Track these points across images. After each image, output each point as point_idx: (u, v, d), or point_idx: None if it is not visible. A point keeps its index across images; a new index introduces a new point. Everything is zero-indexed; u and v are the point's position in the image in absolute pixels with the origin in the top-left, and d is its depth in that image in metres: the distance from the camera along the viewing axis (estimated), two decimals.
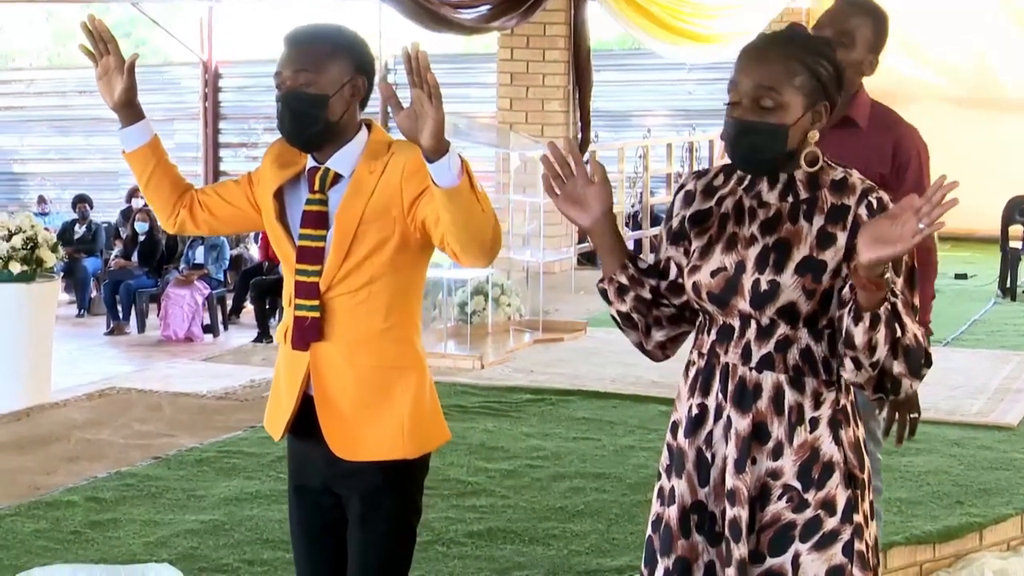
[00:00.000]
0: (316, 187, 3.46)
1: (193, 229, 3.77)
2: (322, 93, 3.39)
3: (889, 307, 2.78)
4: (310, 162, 3.50)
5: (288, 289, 3.51)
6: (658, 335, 3.15)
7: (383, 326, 3.44)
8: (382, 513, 3.49)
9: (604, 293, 3.15)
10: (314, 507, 3.61)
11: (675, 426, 3.10)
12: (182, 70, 22.51)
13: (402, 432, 3.44)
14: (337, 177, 3.45)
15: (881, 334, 2.77)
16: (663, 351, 3.18)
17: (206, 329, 15.43)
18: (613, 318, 3.20)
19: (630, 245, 3.30)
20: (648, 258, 3.21)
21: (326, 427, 3.46)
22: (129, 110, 3.64)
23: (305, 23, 3.50)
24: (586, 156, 10.72)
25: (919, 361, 2.84)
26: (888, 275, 2.78)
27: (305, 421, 3.49)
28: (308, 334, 3.45)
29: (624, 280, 3.11)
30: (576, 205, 3.09)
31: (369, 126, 3.51)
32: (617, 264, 3.11)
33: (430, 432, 3.53)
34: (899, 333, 2.79)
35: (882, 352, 2.79)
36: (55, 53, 29.47)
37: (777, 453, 2.96)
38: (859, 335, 2.79)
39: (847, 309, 2.82)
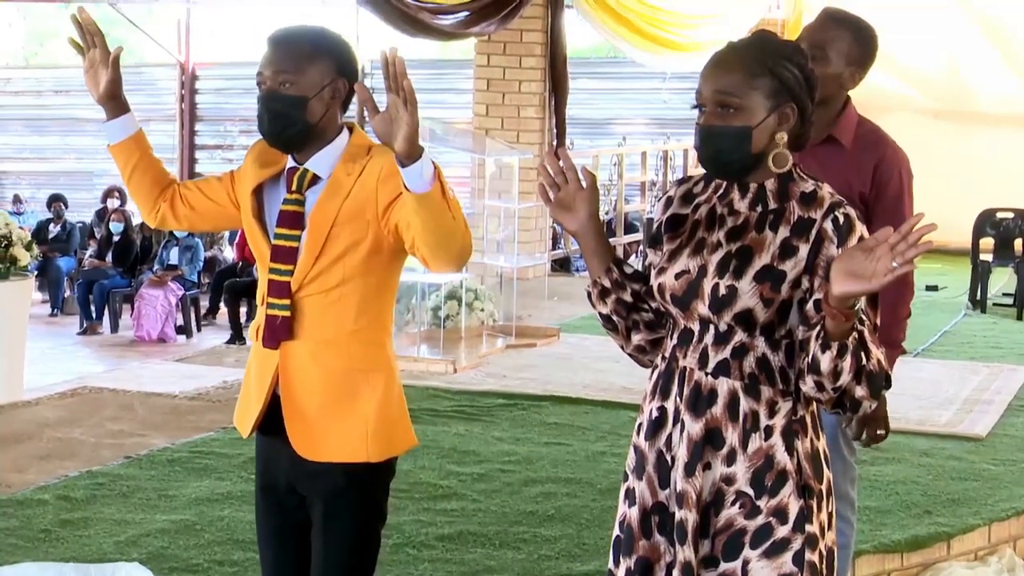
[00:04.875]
0: (293, 187, 3.48)
1: (174, 224, 3.78)
2: (301, 95, 3.41)
3: (856, 336, 2.81)
4: (290, 162, 3.52)
5: (262, 287, 3.53)
6: (636, 338, 3.18)
7: (353, 328, 3.45)
8: (345, 516, 3.50)
9: (589, 295, 3.20)
10: (279, 507, 3.62)
11: (639, 427, 3.13)
12: (159, 71, 22.48)
13: (366, 435, 3.46)
14: (315, 178, 3.47)
15: (847, 362, 2.81)
16: (643, 355, 3.21)
17: (179, 330, 15.41)
18: (601, 322, 3.24)
19: None
20: (636, 264, 3.24)
21: (291, 426, 3.48)
22: (114, 103, 3.66)
23: (288, 24, 3.52)
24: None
25: (880, 385, 2.87)
26: (859, 306, 2.80)
27: (273, 419, 3.51)
28: (279, 333, 3.47)
29: (607, 283, 3.14)
30: (566, 210, 3.14)
31: (351, 129, 3.53)
32: (602, 268, 3.15)
33: (395, 436, 3.54)
34: (864, 360, 2.82)
35: (846, 379, 2.83)
36: (31, 53, 29.35)
37: (731, 459, 2.97)
38: (825, 362, 2.82)
39: (814, 334, 2.84)
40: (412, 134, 3.06)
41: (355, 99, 3.40)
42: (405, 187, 3.13)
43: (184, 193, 3.73)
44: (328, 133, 3.47)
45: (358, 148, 3.48)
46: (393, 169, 3.19)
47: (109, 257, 16.62)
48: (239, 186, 3.62)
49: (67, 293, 17.26)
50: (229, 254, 16.95)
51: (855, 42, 4.34)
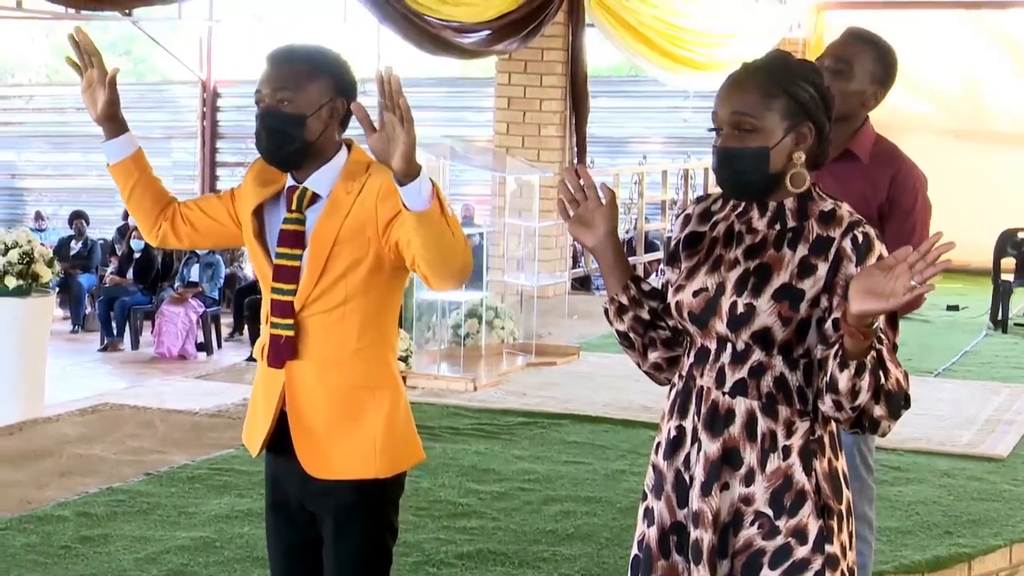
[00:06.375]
0: (293, 206, 3.48)
1: (175, 242, 3.80)
2: (299, 113, 3.42)
3: (875, 355, 2.79)
4: (289, 181, 3.53)
5: (265, 307, 3.54)
6: (653, 356, 3.17)
7: (356, 346, 3.46)
8: (355, 532, 3.50)
9: (606, 312, 3.19)
10: (289, 524, 3.62)
11: (658, 447, 3.13)
12: (181, 89, 22.58)
13: (374, 451, 3.46)
14: (315, 197, 3.48)
15: (865, 381, 2.79)
16: (660, 372, 3.20)
17: (200, 347, 15.44)
18: (617, 339, 3.23)
19: None
20: (654, 282, 3.24)
21: (298, 445, 3.48)
22: (112, 123, 3.69)
23: (287, 43, 3.54)
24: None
25: (899, 404, 2.86)
26: (877, 325, 2.79)
27: (281, 438, 3.51)
28: (283, 352, 3.48)
29: (625, 300, 3.14)
30: (584, 226, 3.13)
31: (349, 146, 3.54)
32: (619, 285, 3.14)
33: (403, 451, 3.54)
34: (882, 380, 2.80)
35: (864, 398, 2.81)
36: (54, 69, 29.50)
37: (749, 479, 2.96)
38: (843, 381, 2.80)
39: (832, 352, 2.82)
40: (409, 152, 3.05)
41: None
42: (404, 205, 3.13)
43: (184, 212, 3.74)
44: (327, 151, 3.48)
45: (357, 165, 3.48)
46: (392, 187, 3.18)
47: (130, 274, 16.69)
48: (239, 204, 3.63)
49: (88, 310, 17.31)
50: (249, 271, 16.99)
51: (879, 61, 4.38)
